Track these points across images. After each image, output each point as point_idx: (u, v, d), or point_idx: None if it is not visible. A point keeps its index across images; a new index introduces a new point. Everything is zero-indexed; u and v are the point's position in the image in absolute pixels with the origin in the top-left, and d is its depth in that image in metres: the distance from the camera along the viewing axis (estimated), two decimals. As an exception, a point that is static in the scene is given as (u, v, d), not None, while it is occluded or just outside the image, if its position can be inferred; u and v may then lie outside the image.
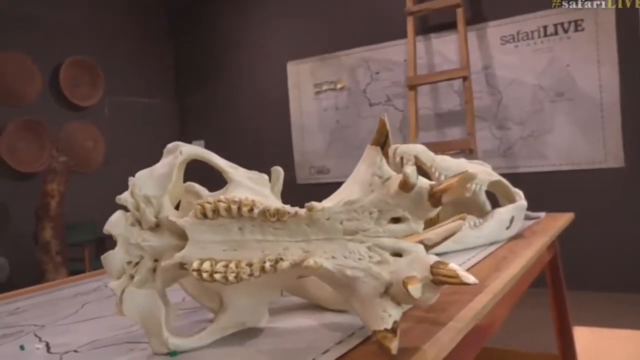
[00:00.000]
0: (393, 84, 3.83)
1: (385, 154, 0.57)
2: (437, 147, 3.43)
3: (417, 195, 0.55)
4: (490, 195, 1.24)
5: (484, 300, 0.70)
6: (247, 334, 0.64)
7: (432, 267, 0.52)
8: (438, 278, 0.52)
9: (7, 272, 3.01)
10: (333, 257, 0.56)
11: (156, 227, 0.64)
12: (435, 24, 3.59)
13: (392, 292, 0.53)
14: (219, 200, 0.59)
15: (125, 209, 0.66)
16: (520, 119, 3.37)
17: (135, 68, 4.96)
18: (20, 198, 3.76)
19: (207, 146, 5.29)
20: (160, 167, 0.66)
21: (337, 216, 0.56)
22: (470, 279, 0.50)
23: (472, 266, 0.92)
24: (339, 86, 4.15)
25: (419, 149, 1.04)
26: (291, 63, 4.43)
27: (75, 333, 0.74)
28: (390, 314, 0.52)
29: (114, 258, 0.64)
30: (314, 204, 0.56)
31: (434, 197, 0.54)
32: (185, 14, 5.21)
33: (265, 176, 0.67)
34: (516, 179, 3.56)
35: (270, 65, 4.61)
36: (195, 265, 0.57)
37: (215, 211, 0.59)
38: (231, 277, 0.56)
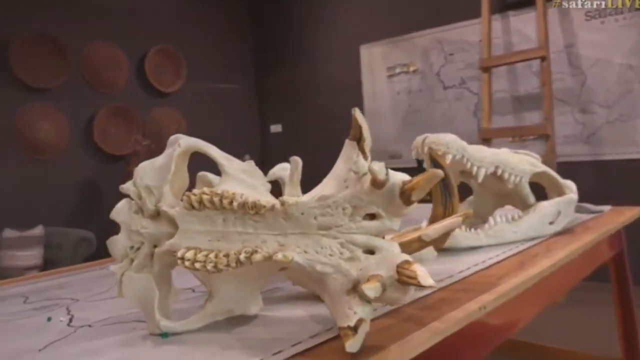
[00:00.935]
0: (468, 65, 3.67)
1: (362, 149, 0.56)
2: (512, 132, 3.26)
3: (389, 193, 0.53)
4: (538, 187, 1.17)
5: (484, 300, 0.66)
6: (237, 320, 0.66)
7: (397, 266, 0.51)
8: (402, 278, 0.50)
9: (94, 246, 3.29)
10: (305, 252, 0.56)
11: (156, 215, 0.67)
12: (513, 1, 3.37)
13: (360, 289, 0.53)
14: (204, 192, 0.61)
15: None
16: (607, 102, 3.10)
17: (216, 55, 5.15)
18: (109, 178, 4.07)
19: (284, 130, 5.41)
20: (160, 158, 0.69)
21: (311, 211, 0.56)
22: (428, 281, 0.48)
23: (496, 263, 0.88)
24: (412, 69, 4.05)
25: (448, 139, 1.00)
26: (364, 46, 4.38)
27: (99, 309, 0.80)
28: (355, 312, 0.52)
29: (118, 243, 0.68)
30: (287, 198, 0.57)
31: (404, 195, 0.53)
32: (263, 3, 5.31)
33: (259, 170, 0.68)
34: (601, 166, 3.31)
35: (344, 48, 4.59)
36: (180, 253, 0.60)
37: (200, 202, 0.61)
38: (209, 266, 0.58)
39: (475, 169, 1.02)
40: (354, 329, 0.51)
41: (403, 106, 4.14)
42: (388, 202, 0.54)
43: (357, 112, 0.55)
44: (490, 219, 1.05)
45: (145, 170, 0.69)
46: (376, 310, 0.63)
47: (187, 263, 0.59)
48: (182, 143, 0.68)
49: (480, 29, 3.35)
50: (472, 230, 1.03)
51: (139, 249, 0.67)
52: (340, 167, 0.58)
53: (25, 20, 3.77)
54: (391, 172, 0.54)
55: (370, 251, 0.55)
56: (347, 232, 0.55)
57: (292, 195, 0.71)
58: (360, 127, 0.55)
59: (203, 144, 0.69)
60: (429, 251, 0.81)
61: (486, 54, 3.21)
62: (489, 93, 3.16)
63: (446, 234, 0.66)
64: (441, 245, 0.82)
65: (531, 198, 1.12)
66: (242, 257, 0.57)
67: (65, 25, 3.99)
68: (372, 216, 0.56)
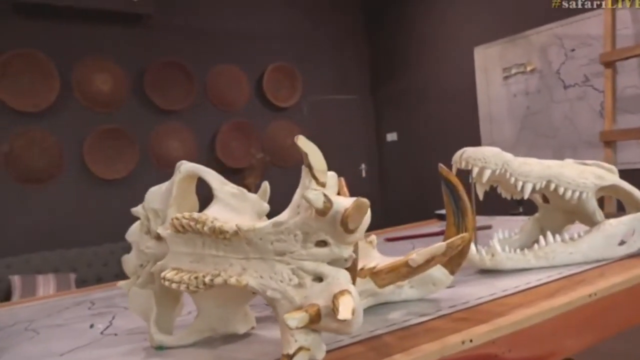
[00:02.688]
0: (591, 61, 3.31)
1: (313, 176, 0.56)
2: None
3: (332, 220, 0.53)
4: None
5: (473, 332, 0.62)
6: (230, 338, 0.69)
7: (334, 296, 0.50)
8: (333, 309, 0.49)
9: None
10: (261, 277, 0.57)
11: (160, 236, 0.73)
12: (642, -14, 2.98)
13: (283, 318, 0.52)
14: (184, 217, 0.65)
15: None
16: None
17: (331, 68, 5.29)
18: (231, 190, 4.38)
19: (399, 139, 5.36)
20: (167, 183, 0.75)
21: (268, 237, 0.57)
22: (343, 315, 0.46)
23: (527, 289, 0.80)
24: (529, 68, 3.77)
25: (487, 153, 0.93)
26: (478, 48, 4.18)
27: (135, 319, 0.88)
28: (296, 340, 0.52)
29: (129, 261, 0.75)
30: (243, 224, 0.58)
31: (343, 223, 0.51)
32: (377, 12, 5.34)
33: (252, 195, 0.70)
34: None
35: (457, 52, 4.43)
36: (163, 273, 0.65)
37: (181, 226, 0.65)
38: (183, 287, 0.62)
39: (520, 184, 0.94)
40: (291, 357, 0.51)
41: (520, 109, 3.87)
42: (334, 230, 0.53)
43: (299, 140, 0.54)
44: (541, 239, 0.95)
45: (153, 195, 0.75)
46: (345, 339, 0.62)
47: (167, 283, 0.64)
48: (182, 169, 0.73)
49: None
50: (519, 251, 0.94)
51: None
52: (297, 193, 0.58)
53: (157, 52, 4.23)
54: (339, 199, 0.53)
55: (320, 278, 0.54)
56: (298, 259, 0.56)
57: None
58: (306, 154, 0.55)
59: (201, 169, 0.73)
60: (443, 274, 0.78)
61: (609, 47, 2.88)
62: (613, 90, 2.83)
63: (429, 260, 0.62)
64: (456, 269, 0.78)
65: (598, 215, 1.00)
66: (207, 279, 0.60)
67: (191, 52, 4.40)
68: (324, 243, 0.55)
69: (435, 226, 1.72)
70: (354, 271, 0.61)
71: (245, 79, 4.71)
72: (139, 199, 0.76)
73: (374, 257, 0.79)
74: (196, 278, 0.61)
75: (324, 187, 0.57)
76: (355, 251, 0.61)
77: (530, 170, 0.94)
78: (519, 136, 3.88)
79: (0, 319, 0.98)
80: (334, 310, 0.50)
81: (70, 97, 3.82)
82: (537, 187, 0.95)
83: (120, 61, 4.04)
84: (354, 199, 0.53)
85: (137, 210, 0.75)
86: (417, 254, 0.64)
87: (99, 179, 3.92)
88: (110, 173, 3.93)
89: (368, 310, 0.74)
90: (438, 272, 0.77)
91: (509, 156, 0.95)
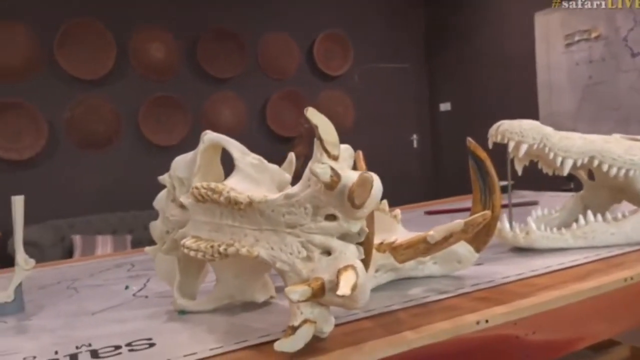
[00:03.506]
0: (665, 26, 3.07)
1: (324, 149, 0.54)
2: None
3: (340, 194, 0.52)
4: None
5: (489, 313, 0.60)
6: (248, 306, 0.70)
7: (338, 270, 0.50)
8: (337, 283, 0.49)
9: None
10: (272, 248, 0.57)
11: (183, 204, 0.75)
12: None
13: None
14: (203, 186, 0.66)
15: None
16: None
17: (383, 36, 5.16)
18: (279, 158, 4.42)
19: (453, 108, 5.21)
20: (192, 153, 0.76)
21: (279, 209, 0.57)
22: (342, 290, 0.46)
23: (559, 270, 0.77)
24: (593, 35, 3.53)
25: (524, 126, 0.89)
26: (539, 13, 3.96)
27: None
28: (302, 312, 0.52)
29: (156, 227, 0.78)
30: (256, 196, 0.58)
31: (349, 198, 0.50)
32: (432, -26, 5.14)
33: (272, 166, 0.70)
34: None
35: (517, 18, 4.21)
36: (183, 241, 0.67)
37: (200, 195, 0.66)
38: (200, 255, 0.63)
39: (559, 159, 0.89)
40: (295, 329, 0.51)
41: (582, 78, 3.65)
42: (341, 205, 0.52)
43: (308, 112, 0.53)
44: (581, 217, 0.91)
45: (178, 163, 0.77)
46: (358, 313, 0.62)
47: (186, 250, 0.65)
48: (206, 139, 0.74)
49: (681, -19, 2.77)
50: (556, 229, 0.90)
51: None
52: (309, 165, 0.58)
53: (209, 20, 4.27)
54: (349, 173, 0.52)
55: (329, 252, 0.54)
56: (308, 232, 0.55)
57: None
58: (316, 127, 0.54)
59: (223, 139, 0.73)
60: (468, 251, 0.76)
61: (685, 11, 2.64)
62: (687, 59, 2.60)
63: (487, 236, 0.61)
64: (482, 246, 0.75)
65: (647, 194, 0.93)
66: (221, 249, 0.61)
67: (242, 20, 4.41)
68: (333, 217, 0.55)
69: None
70: (368, 246, 0.60)
71: (296, 48, 4.68)
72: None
73: (397, 232, 0.78)
74: (212, 247, 0.62)
75: (336, 160, 0.56)
76: (370, 226, 0.60)
77: (571, 145, 0.89)
78: (580, 107, 3.67)
79: (48, 277, 1.05)
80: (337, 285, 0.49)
81: (126, 65, 3.94)
82: (579, 164, 0.90)
83: (174, 30, 4.11)
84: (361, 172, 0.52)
85: (163, 178, 0.77)
86: (435, 230, 0.62)
87: (154, 146, 4.05)
88: (164, 140, 4.05)
89: (388, 285, 0.74)
90: (463, 249, 0.75)
91: (548, 130, 0.90)
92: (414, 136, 5.48)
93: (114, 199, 3.91)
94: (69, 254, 3.42)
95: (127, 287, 0.91)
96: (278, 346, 0.50)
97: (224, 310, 0.70)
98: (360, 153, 0.65)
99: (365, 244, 0.58)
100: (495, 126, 0.92)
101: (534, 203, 1.52)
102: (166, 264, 0.75)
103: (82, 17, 3.79)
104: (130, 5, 4.00)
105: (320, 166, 0.51)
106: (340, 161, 0.56)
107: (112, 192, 3.92)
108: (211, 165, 0.77)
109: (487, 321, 0.59)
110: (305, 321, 0.51)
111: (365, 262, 0.61)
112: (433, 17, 5.24)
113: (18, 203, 0.82)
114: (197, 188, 0.67)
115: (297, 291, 0.49)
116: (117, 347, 0.59)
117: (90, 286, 0.96)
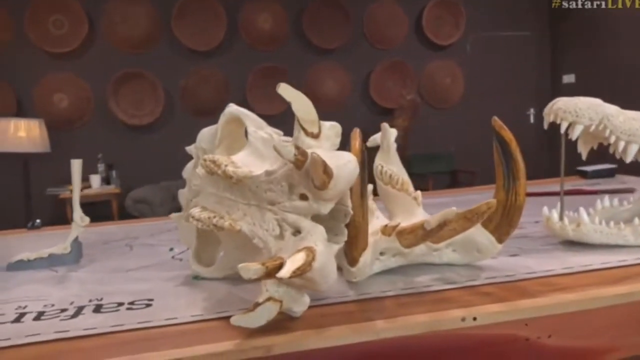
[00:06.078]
0: None
1: (300, 126, 0.53)
2: None
3: (307, 174, 0.50)
4: None
5: (477, 311, 0.55)
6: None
7: (296, 251, 0.49)
8: (291, 265, 0.48)
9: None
10: (254, 224, 0.58)
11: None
12: None
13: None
14: (208, 158, 0.68)
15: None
16: None
17: (500, 1, 4.81)
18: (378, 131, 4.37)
19: (577, 81, 4.75)
20: (216, 125, 0.78)
21: (262, 185, 0.57)
22: (281, 273, 0.45)
23: (599, 269, 0.68)
24: None
25: (580, 105, 0.78)
26: (688, -29, 3.41)
27: (206, 247, 0.97)
28: (267, 289, 0.52)
29: (183, 195, 0.82)
30: (240, 170, 0.59)
31: (312, 179, 0.49)
32: None
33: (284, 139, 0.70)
34: None
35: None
36: (191, 210, 0.69)
37: (206, 167, 0.68)
38: (199, 225, 0.65)
39: (622, 144, 0.78)
40: (257, 305, 0.51)
41: None
42: (309, 184, 0.51)
43: (280, 88, 0.52)
44: (646, 212, 0.79)
45: (204, 135, 0.79)
46: (350, 296, 0.60)
47: (191, 220, 0.68)
48: (226, 112, 0.76)
49: None
50: (613, 224, 0.80)
51: (196, 202, 0.79)
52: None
53: (316, -11, 4.28)
54: (318, 152, 0.51)
55: (299, 231, 0.53)
56: (284, 210, 0.55)
57: (386, 163, 0.73)
58: (290, 104, 0.52)
59: (241, 111, 0.74)
60: (489, 241, 0.70)
61: None
62: None
63: (509, 226, 0.57)
64: (504, 237, 0.69)
65: None
66: (214, 220, 0.62)
67: (349, -12, 4.36)
68: (305, 196, 0.53)
69: (571, 184, 1.52)
70: (355, 229, 0.59)
71: (403, 16, 4.54)
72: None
73: (417, 214, 0.74)
74: (209, 218, 0.64)
75: (316, 138, 0.54)
76: (363, 209, 0.58)
77: (635, 129, 0.77)
78: None
79: (113, 234, 1.15)
80: (294, 266, 0.48)
81: (236, 37, 4.11)
82: (647, 149, 0.78)
83: (281, 0, 4.19)
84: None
85: (190, 148, 0.80)
86: (432, 217, 0.58)
87: (259, 115, 4.21)
88: (268, 109, 4.20)
89: (397, 270, 0.71)
90: (483, 238, 0.69)
91: (611, 109, 0.78)
92: (531, 110, 5.10)
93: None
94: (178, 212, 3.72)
95: (171, 249, 0.98)
96: (235, 321, 0.50)
97: (233, 279, 0.72)
98: (358, 131, 0.62)
99: (350, 227, 0.56)
100: (550, 104, 0.82)
101: (629, 191, 1.35)
102: (187, 231, 0.79)
103: (197, -10, 4.01)
104: (241, -23, 4.14)
105: (284, 144, 0.49)
106: (321, 139, 0.55)
107: (220, 158, 4.17)
108: (236, 138, 0.78)
109: (474, 319, 0.54)
110: (268, 299, 0.52)
111: (355, 244, 0.60)
112: (560, -21, 4.75)
113: (76, 166, 0.91)
114: (205, 160, 0.69)
115: (250, 269, 0.48)
116: (120, 304, 0.64)
117: (144, 245, 1.04)
